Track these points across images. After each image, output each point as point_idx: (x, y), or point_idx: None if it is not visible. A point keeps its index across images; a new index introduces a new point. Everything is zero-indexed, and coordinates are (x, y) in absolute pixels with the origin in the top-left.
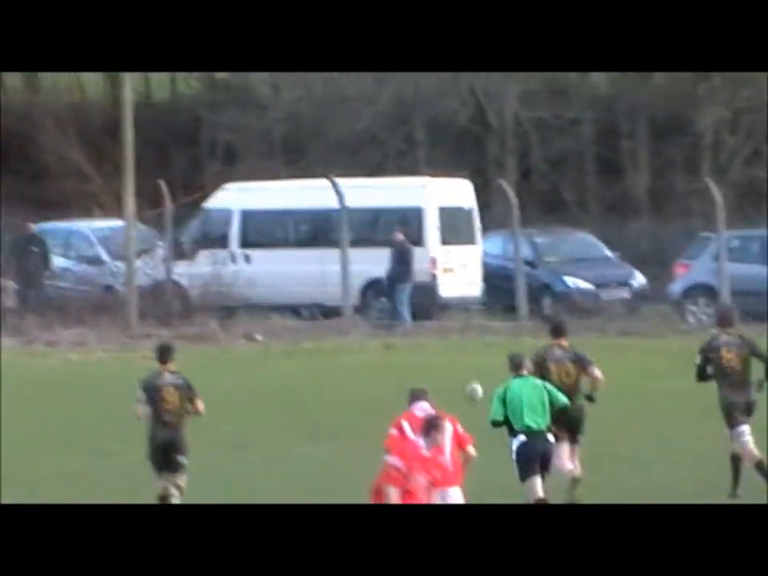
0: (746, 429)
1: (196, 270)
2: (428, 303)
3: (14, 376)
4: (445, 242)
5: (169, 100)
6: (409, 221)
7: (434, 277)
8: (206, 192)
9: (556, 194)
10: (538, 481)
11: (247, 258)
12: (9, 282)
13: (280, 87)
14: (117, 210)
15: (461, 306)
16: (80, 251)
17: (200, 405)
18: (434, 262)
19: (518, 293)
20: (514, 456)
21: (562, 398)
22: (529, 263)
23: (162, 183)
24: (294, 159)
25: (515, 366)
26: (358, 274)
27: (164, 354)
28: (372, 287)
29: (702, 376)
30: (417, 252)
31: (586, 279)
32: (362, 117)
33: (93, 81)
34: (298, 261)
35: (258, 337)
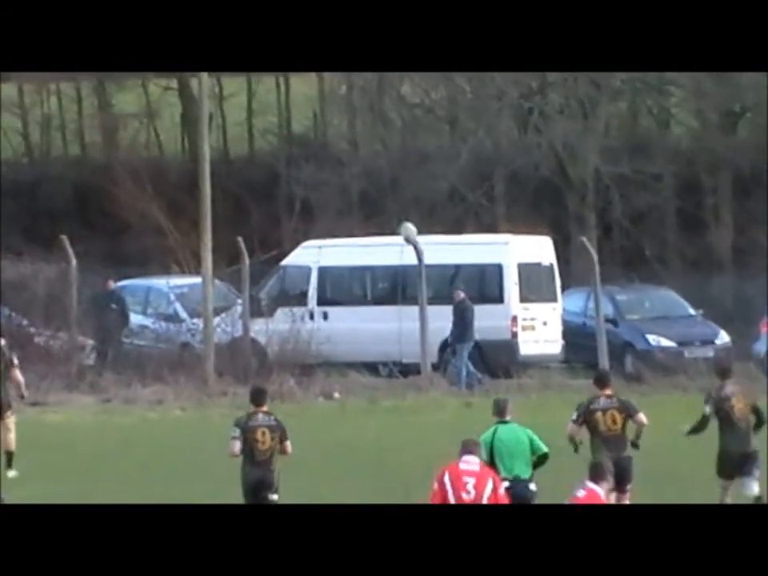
0: (731, 484)
1: (273, 327)
2: (508, 361)
3: (93, 434)
4: (525, 299)
5: (246, 155)
6: (488, 278)
7: (513, 334)
8: (284, 249)
9: (637, 250)
10: None
11: (325, 316)
12: (87, 340)
13: (358, 142)
14: (194, 267)
15: (541, 363)
16: (158, 308)
17: (289, 447)
18: (513, 319)
19: (600, 351)
20: None
21: (543, 447)
22: (610, 321)
23: (240, 240)
24: (372, 215)
25: (499, 412)
26: (437, 331)
27: (258, 396)
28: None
29: (704, 426)
30: (497, 309)
31: (668, 337)
32: (441, 173)
33: (171, 136)
34: (376, 318)
35: (336, 395)
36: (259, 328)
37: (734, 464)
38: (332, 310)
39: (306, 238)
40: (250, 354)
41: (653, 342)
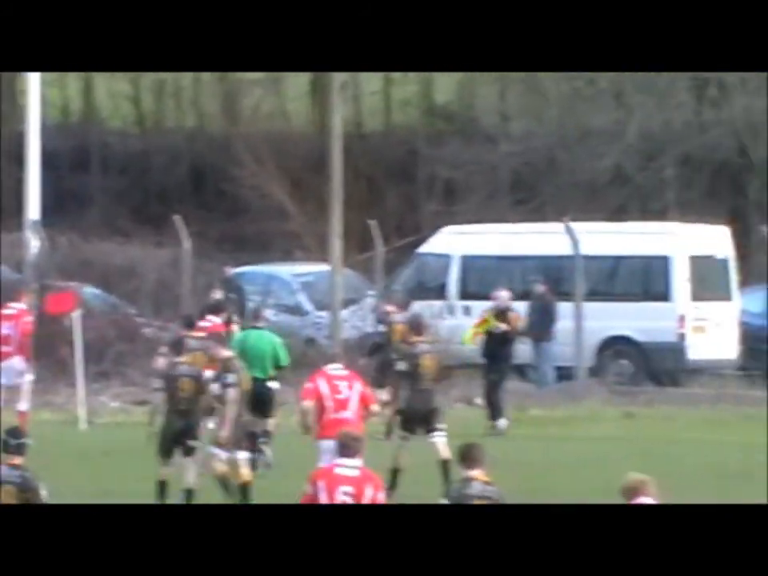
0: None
1: None
2: (675, 367)
3: None
4: (696, 296)
5: (382, 130)
6: (654, 271)
7: (682, 337)
8: (422, 235)
9: None
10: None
11: (467, 311)
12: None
13: (509, 116)
14: (321, 254)
15: (714, 371)
16: (280, 299)
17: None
18: (682, 319)
19: None
20: None
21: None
22: None
23: (373, 224)
24: (524, 200)
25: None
26: (594, 330)
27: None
28: (610, 346)
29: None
30: (663, 307)
31: None
32: (604, 152)
33: (297, 108)
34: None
35: (478, 400)
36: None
37: (417, 420)
38: (475, 305)
39: (448, 223)
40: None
41: None
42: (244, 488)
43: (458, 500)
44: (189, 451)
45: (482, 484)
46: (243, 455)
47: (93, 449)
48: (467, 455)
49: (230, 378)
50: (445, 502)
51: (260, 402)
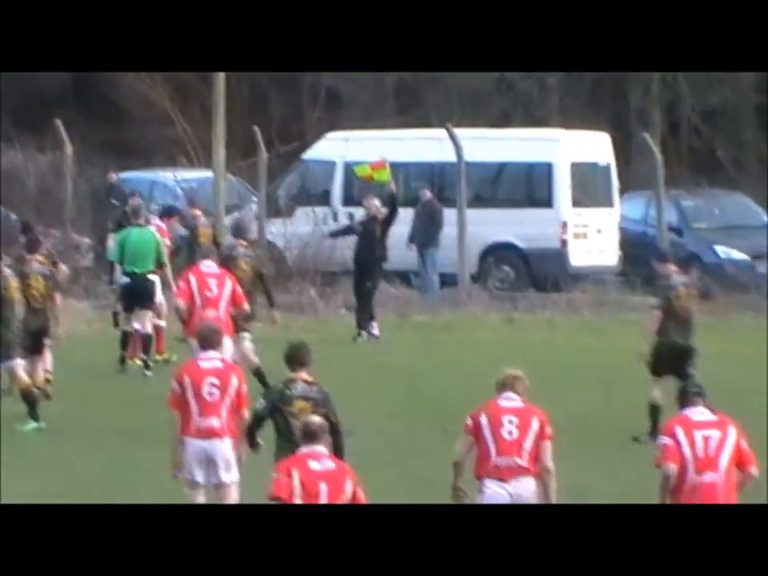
0: None
1: (293, 230)
2: (556, 273)
3: (89, 345)
4: (577, 203)
5: None
6: (536, 178)
7: (563, 243)
8: (307, 141)
9: (708, 150)
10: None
11: (351, 217)
12: (84, 239)
13: None
14: (205, 160)
15: (594, 276)
16: (163, 205)
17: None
18: (564, 225)
19: None
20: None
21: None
22: (674, 229)
23: (257, 130)
24: (408, 106)
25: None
26: (477, 237)
27: None
28: (493, 253)
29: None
30: (545, 214)
31: (740, 249)
32: None
33: None
34: (409, 221)
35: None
36: (276, 230)
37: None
38: (359, 212)
39: (332, 129)
40: (265, 260)
41: (722, 255)
42: (24, 394)
43: (279, 401)
44: (39, 349)
45: (304, 384)
46: (19, 362)
47: None
48: (293, 356)
49: None
50: (262, 401)
51: (141, 295)
